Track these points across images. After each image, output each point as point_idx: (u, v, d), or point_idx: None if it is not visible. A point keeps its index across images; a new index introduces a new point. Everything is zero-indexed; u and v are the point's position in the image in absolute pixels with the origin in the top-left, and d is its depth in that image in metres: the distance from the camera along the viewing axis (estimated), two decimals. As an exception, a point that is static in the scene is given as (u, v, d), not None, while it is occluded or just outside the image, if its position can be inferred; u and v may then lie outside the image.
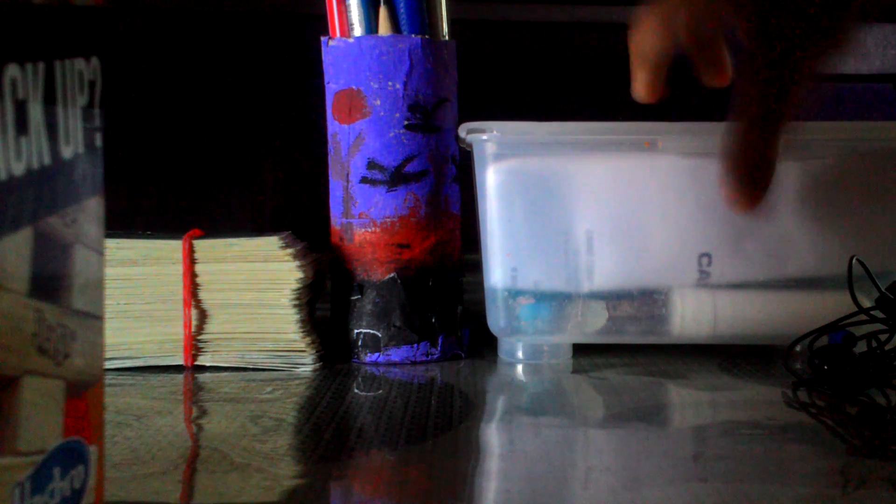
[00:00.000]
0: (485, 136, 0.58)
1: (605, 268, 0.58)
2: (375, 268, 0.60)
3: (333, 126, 0.61)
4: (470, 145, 0.59)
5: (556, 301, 0.59)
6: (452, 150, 0.61)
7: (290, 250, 0.57)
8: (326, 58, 0.61)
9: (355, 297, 0.60)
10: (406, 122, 0.59)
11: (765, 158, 0.51)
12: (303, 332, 0.58)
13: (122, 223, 0.56)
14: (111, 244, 0.56)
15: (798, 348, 0.57)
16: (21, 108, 0.25)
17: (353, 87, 0.59)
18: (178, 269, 0.57)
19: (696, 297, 0.58)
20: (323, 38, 0.61)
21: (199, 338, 0.58)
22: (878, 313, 0.53)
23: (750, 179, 0.51)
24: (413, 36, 0.59)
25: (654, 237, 0.58)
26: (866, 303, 0.53)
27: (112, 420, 0.46)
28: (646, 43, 0.55)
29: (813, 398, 0.52)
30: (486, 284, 0.60)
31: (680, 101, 0.65)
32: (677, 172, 0.58)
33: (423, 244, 0.60)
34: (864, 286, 0.54)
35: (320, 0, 0.61)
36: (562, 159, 0.59)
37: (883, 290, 0.53)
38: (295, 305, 0.57)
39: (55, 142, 0.27)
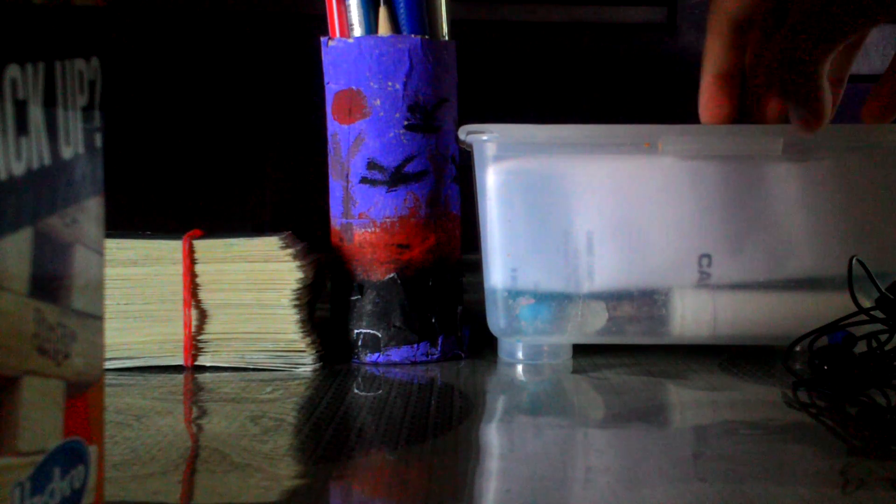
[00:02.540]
0: (485, 137, 0.58)
1: (606, 268, 0.58)
2: (375, 268, 0.60)
3: (333, 126, 0.61)
4: (470, 146, 0.59)
5: (557, 301, 0.59)
6: (452, 151, 0.61)
7: (290, 250, 0.57)
8: (326, 58, 0.61)
9: (355, 298, 0.60)
10: (406, 123, 0.59)
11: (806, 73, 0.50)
12: (303, 332, 0.58)
13: (122, 223, 0.56)
14: (111, 244, 0.56)
15: (798, 349, 0.57)
16: (21, 109, 0.25)
17: (353, 87, 0.59)
18: (178, 269, 0.57)
19: (696, 297, 0.58)
20: (322, 39, 0.61)
21: (199, 338, 0.58)
22: (878, 313, 0.53)
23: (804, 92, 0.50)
24: (413, 36, 0.59)
25: (654, 238, 0.58)
26: (866, 303, 0.53)
27: (112, 420, 0.46)
28: (726, 2, 0.52)
29: (813, 398, 0.52)
30: (486, 285, 0.60)
31: (680, 102, 0.65)
32: (677, 174, 0.58)
33: (423, 244, 0.60)
34: (864, 286, 0.54)
35: (320, 0, 0.61)
36: (562, 160, 0.59)
37: (883, 290, 0.53)
38: (295, 306, 0.57)
39: (55, 142, 0.27)
